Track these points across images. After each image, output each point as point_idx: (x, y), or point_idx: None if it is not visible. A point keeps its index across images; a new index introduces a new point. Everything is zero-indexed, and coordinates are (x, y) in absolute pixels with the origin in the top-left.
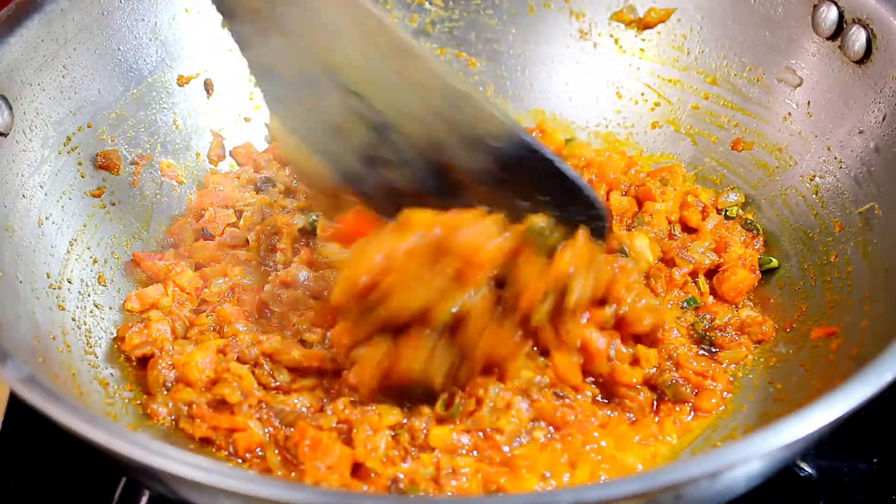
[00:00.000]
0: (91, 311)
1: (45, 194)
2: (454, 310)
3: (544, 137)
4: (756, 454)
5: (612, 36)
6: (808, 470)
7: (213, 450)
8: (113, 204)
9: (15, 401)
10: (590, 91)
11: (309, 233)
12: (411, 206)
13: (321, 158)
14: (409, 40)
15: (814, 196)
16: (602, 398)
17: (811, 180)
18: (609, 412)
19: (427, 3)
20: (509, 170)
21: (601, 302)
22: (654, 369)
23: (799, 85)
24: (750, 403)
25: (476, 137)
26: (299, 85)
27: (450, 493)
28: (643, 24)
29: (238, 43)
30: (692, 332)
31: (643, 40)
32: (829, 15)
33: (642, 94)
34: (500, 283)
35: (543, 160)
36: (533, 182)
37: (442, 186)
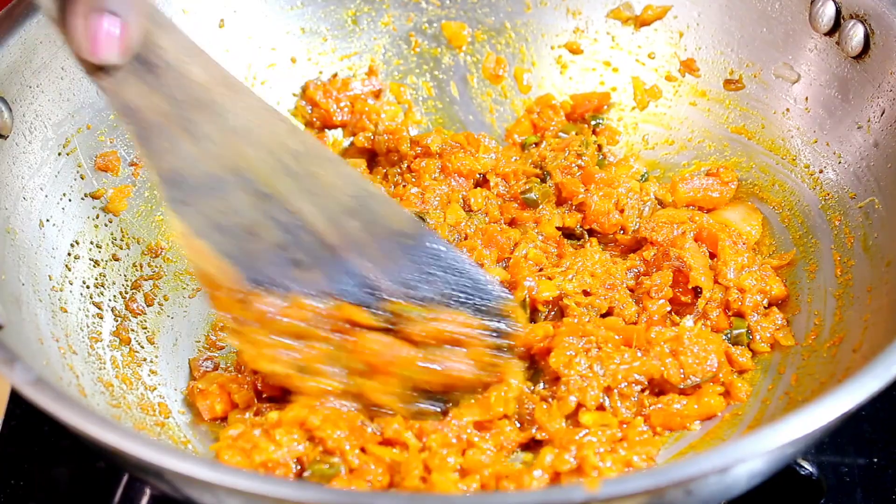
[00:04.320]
0: (94, 314)
1: (46, 196)
2: None
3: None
4: (768, 448)
5: (608, 33)
6: (809, 468)
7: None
8: (113, 205)
9: (15, 401)
10: (586, 89)
11: None
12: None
13: (230, 262)
14: (320, 144)
15: (813, 191)
16: None
17: (811, 176)
18: None
19: (423, 2)
20: (422, 266)
21: None
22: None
23: (797, 81)
24: (754, 399)
25: (389, 233)
26: (208, 187)
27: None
28: (640, 22)
29: (142, 146)
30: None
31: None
32: (827, 10)
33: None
34: None
35: (456, 259)
36: (447, 280)
37: (358, 287)
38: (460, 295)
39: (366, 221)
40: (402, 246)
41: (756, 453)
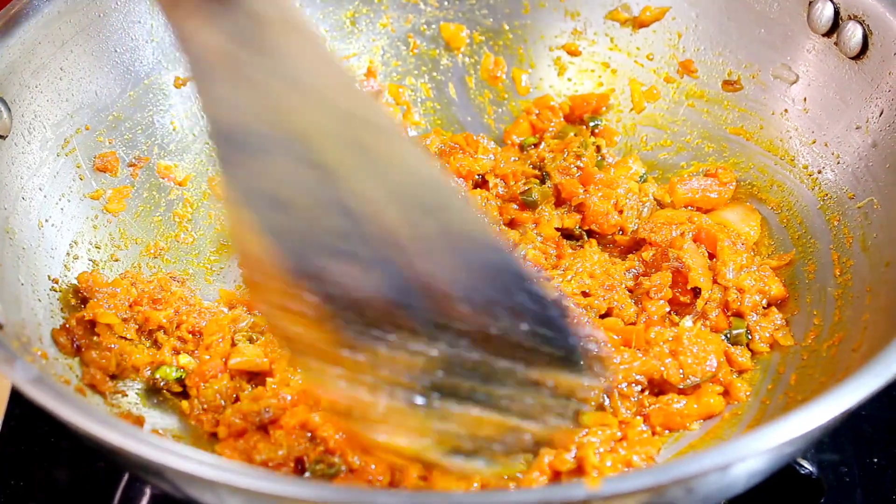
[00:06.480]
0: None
1: (45, 196)
2: None
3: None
4: (769, 446)
5: (606, 35)
6: (809, 467)
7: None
8: (111, 206)
9: (14, 401)
10: (584, 90)
11: None
12: (374, 322)
13: (274, 241)
14: (395, 120)
15: (812, 191)
16: None
17: (809, 176)
18: None
19: (421, 4)
20: (495, 287)
21: None
22: None
23: (795, 82)
24: (754, 399)
25: (470, 244)
26: (261, 148)
27: None
28: (638, 23)
29: (200, 91)
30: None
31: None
32: (825, 11)
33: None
34: None
35: (534, 284)
36: (516, 307)
37: (416, 299)
38: (541, 336)
39: (443, 223)
40: (478, 260)
41: (757, 451)
